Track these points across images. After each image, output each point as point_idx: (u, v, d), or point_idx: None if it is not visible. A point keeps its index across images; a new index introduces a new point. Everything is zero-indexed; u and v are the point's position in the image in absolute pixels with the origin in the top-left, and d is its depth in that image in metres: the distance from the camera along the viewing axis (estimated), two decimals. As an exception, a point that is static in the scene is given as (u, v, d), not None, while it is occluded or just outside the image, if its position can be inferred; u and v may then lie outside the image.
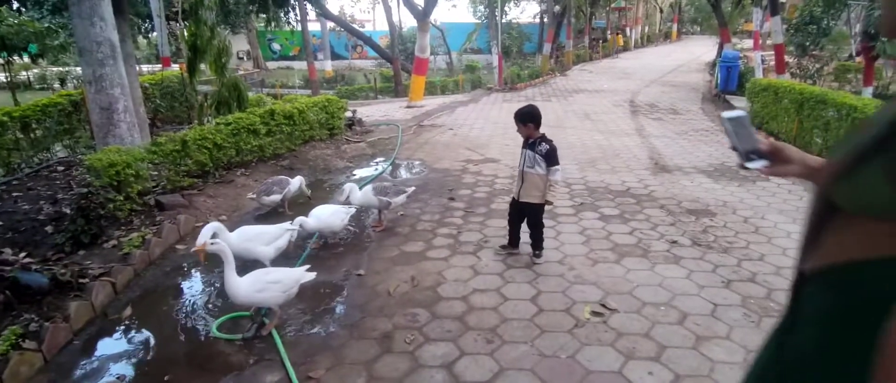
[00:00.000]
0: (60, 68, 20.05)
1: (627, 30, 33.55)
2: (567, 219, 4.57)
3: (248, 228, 3.60)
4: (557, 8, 20.69)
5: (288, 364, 2.63)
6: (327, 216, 3.97)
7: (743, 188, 5.45)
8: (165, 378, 2.60)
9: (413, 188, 4.85)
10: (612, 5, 30.96)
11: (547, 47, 19.50)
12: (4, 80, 18.96)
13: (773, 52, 10.91)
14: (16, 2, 14.76)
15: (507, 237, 3.91)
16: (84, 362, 2.76)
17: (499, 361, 2.62)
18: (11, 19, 12.21)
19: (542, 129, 3.65)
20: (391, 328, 2.97)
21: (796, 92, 7.28)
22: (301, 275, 3.08)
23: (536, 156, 3.53)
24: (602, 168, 6.32)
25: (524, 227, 3.79)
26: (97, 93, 4.76)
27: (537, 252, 3.74)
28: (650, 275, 3.52)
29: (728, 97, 11.94)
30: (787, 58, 11.43)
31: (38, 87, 18.18)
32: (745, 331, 2.85)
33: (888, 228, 0.69)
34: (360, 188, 4.42)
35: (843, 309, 0.75)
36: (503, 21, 23.60)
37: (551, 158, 3.53)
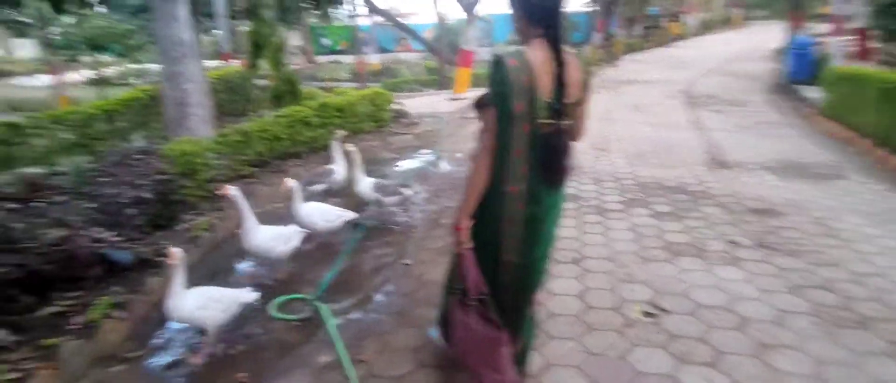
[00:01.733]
0: (137, 65, 21.41)
1: (684, 16, 32.15)
2: (616, 215, 4.50)
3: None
4: (610, -4, 20.13)
5: (339, 345, 2.76)
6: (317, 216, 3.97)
7: (816, 187, 5.10)
8: (230, 352, 2.79)
9: (412, 191, 4.86)
10: (669, -9, 29.77)
11: (596, 37, 19.03)
12: (92, 77, 20.49)
13: (853, 37, 10.11)
14: (102, 6, 15.85)
15: None
16: (160, 333, 3.01)
17: (545, 356, 2.63)
18: (100, 22, 13.15)
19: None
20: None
21: (882, 81, 6.29)
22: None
23: None
24: (653, 162, 6.16)
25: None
26: (172, 88, 5.10)
27: None
28: (706, 276, 3.41)
29: (799, 87, 11.16)
30: (871, 43, 10.47)
31: (117, 82, 19.47)
32: (815, 342, 2.67)
33: None
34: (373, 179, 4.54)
35: None
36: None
37: None
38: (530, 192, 1.93)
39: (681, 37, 29.36)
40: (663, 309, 3.02)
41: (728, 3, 41.81)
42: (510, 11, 1.97)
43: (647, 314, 2.98)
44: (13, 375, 2.30)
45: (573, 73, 1.89)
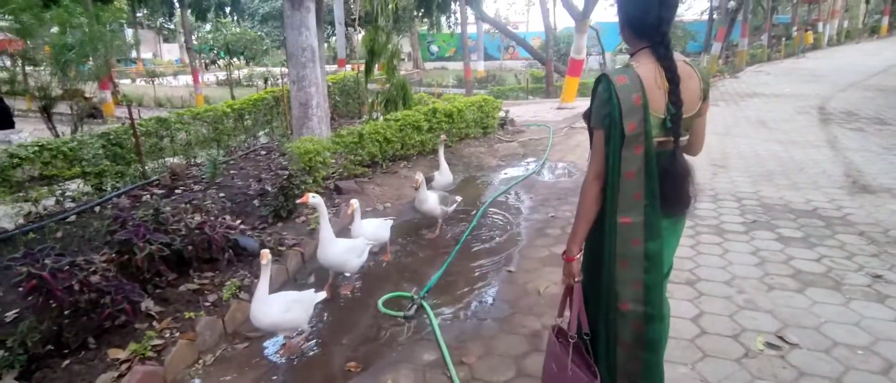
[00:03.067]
0: (263, 68, 23.67)
1: (820, 25, 28.95)
2: (736, 237, 4.17)
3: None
4: (733, 3, 18.70)
5: (443, 346, 2.83)
6: (371, 230, 3.95)
7: (979, 219, 4.43)
8: (342, 341, 2.98)
9: (460, 198, 4.85)
10: (802, -3, 27.03)
11: (716, 46, 17.75)
12: (223, 79, 22.89)
13: None
14: (234, 14, 17.77)
15: None
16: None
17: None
18: (234, 29, 14.78)
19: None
20: (540, 327, 3.02)
21: None
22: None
23: None
24: (781, 183, 5.62)
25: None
26: (298, 91, 5.56)
27: None
28: (844, 310, 3.06)
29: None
30: None
31: (245, 84, 21.66)
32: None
33: None
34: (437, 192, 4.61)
35: None
36: (667, 18, 22.00)
37: None
38: (647, 225, 1.71)
39: (816, 47, 26.47)
40: (791, 343, 2.75)
41: (874, 9, 36.92)
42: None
43: (770, 346, 2.74)
44: (158, 341, 2.63)
45: (689, 84, 1.72)
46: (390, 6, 7.76)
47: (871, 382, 2.45)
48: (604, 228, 1.75)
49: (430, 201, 4.36)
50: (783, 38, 25.09)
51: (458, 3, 16.49)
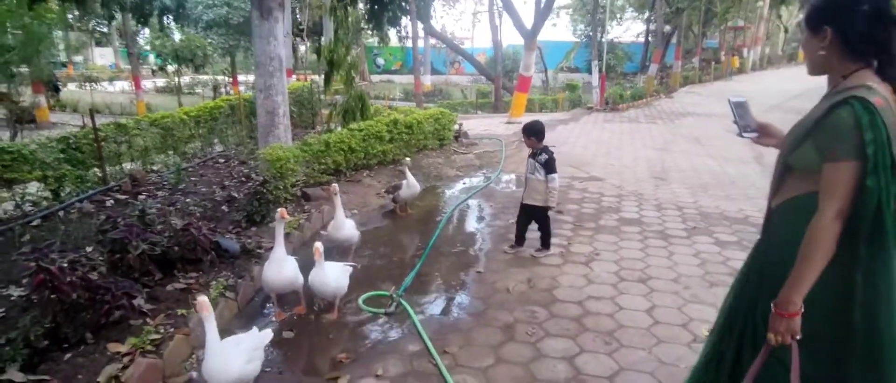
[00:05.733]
0: (206, 77, 22.96)
1: (744, 51, 31.55)
2: (680, 242, 4.62)
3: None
4: (667, 28, 20.11)
5: (426, 337, 3.02)
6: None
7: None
8: (329, 336, 3.11)
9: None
10: (728, 24, 29.35)
11: (652, 68, 19.01)
12: (163, 85, 21.97)
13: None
14: (178, 20, 17.18)
15: (515, 237, 4.38)
16: (260, 315, 3.39)
17: (618, 361, 2.82)
18: (178, 36, 14.39)
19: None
20: (512, 320, 3.27)
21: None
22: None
23: (536, 164, 4.06)
24: (716, 194, 6.21)
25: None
26: (265, 99, 5.60)
27: (542, 249, 4.24)
28: (771, 301, 3.52)
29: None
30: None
31: (186, 91, 20.96)
32: None
33: (814, 176, 1.48)
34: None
35: (794, 220, 1.54)
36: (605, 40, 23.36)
37: (549, 166, 4.03)
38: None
39: (741, 71, 28.80)
40: (731, 330, 3.14)
41: (791, 38, 40.57)
42: (806, 36, 1.58)
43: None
44: (155, 336, 2.68)
45: None
46: (350, 19, 7.94)
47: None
48: (837, 279, 1.48)
49: (349, 228, 4.09)
50: (713, 62, 27.12)
51: (408, 18, 16.80)
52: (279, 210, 3.24)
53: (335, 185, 4.14)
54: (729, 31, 30.85)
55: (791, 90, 19.65)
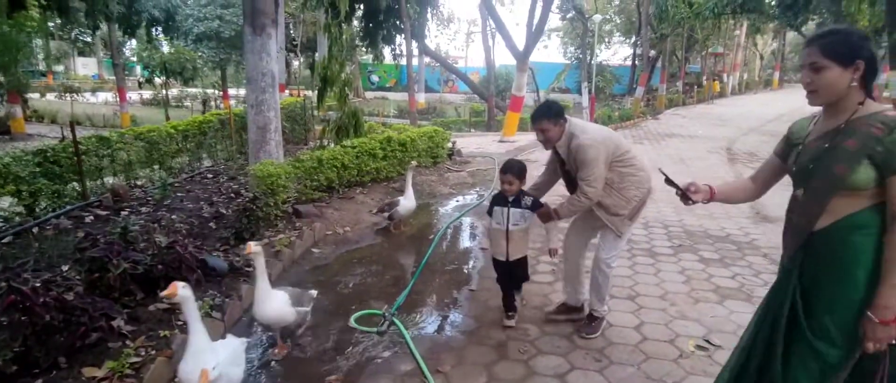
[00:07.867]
0: (195, 90, 22.81)
1: (724, 76, 32.44)
2: (666, 259, 4.72)
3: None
4: (653, 52, 20.61)
5: (418, 356, 3.04)
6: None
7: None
8: (320, 356, 3.11)
9: (315, 292, 3.78)
10: (709, 51, 30.20)
11: (639, 90, 19.42)
12: (149, 98, 21.70)
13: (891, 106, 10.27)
14: (167, 32, 17.15)
15: (504, 304, 3.50)
16: (249, 334, 3.35)
17: (608, 378, 2.87)
18: (167, 48, 14.31)
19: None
20: (505, 338, 3.31)
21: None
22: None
23: (524, 212, 3.25)
24: (700, 213, 6.34)
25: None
26: (256, 114, 5.63)
27: (520, 294, 3.59)
28: (754, 318, 3.61)
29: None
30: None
31: (174, 104, 20.83)
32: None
33: (869, 193, 1.63)
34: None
35: (852, 237, 1.66)
36: (594, 62, 23.84)
37: (537, 204, 3.29)
38: None
39: (721, 95, 29.56)
40: (715, 345, 3.22)
41: (767, 65, 41.91)
42: (829, 70, 1.67)
43: (700, 347, 3.19)
44: (135, 358, 2.66)
45: None
46: (345, 36, 8.04)
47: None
48: None
49: (278, 301, 2.99)
50: (695, 86, 27.83)
51: (403, 36, 17.00)
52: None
53: (251, 244, 2.89)
54: (710, 57, 31.72)
55: (767, 114, 20.23)
